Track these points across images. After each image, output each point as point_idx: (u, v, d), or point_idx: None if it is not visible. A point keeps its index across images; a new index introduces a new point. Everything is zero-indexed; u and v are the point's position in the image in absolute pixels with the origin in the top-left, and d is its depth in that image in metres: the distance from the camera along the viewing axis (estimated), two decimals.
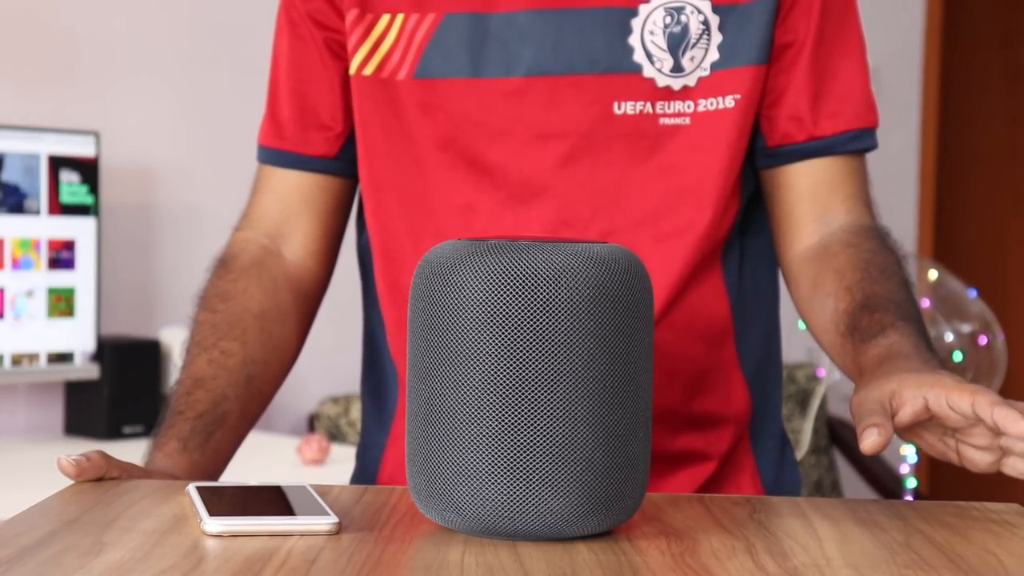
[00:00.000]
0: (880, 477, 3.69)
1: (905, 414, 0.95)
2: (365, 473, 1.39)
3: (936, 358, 1.08)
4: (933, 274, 3.41)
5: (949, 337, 3.33)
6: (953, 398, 0.93)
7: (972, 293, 3.41)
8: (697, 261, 1.26)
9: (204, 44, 3.04)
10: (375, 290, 1.35)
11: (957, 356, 3.32)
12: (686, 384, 1.29)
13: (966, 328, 3.34)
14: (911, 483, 3.44)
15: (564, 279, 0.80)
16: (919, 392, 0.95)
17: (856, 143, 1.30)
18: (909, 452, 3.44)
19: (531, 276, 0.80)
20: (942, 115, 4.21)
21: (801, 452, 3.46)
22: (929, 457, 4.21)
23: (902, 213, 4.22)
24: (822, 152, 1.29)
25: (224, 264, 1.32)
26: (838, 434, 3.81)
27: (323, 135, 1.34)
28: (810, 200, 1.29)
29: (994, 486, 4.39)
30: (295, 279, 1.34)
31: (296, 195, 1.35)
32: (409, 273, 1.25)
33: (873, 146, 1.32)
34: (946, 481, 4.31)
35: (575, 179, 1.25)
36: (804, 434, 3.50)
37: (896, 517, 0.94)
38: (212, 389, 1.22)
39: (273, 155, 1.36)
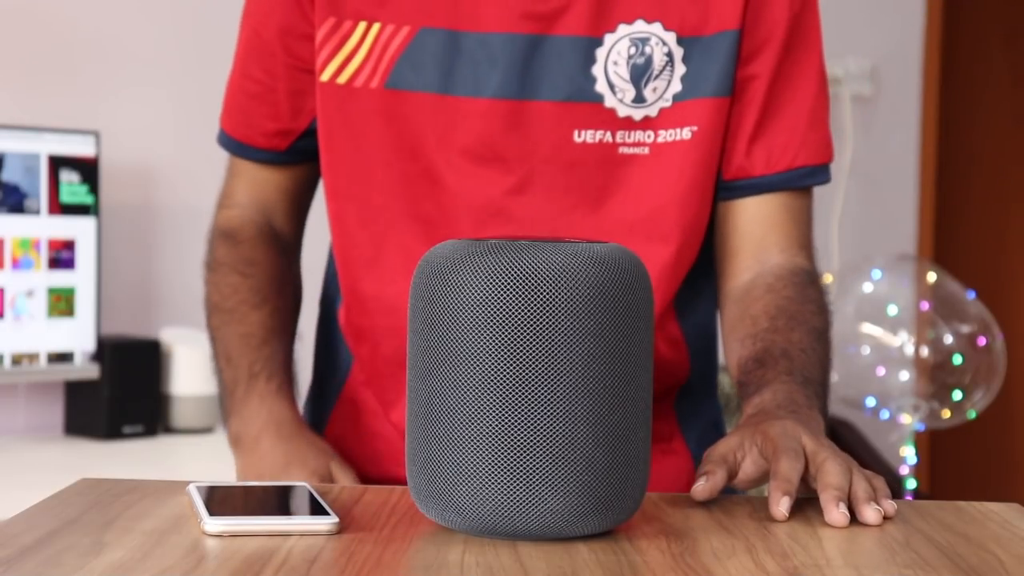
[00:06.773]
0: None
1: (746, 469, 1.00)
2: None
3: (804, 409, 1.08)
4: (932, 276, 3.41)
5: (948, 339, 3.32)
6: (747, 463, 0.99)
7: (971, 295, 3.41)
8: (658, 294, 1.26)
9: (205, 44, 3.04)
10: (337, 282, 1.40)
11: (957, 359, 3.32)
12: None
13: (965, 329, 3.33)
14: (911, 484, 3.44)
15: (565, 279, 0.80)
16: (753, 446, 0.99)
17: (799, 181, 1.31)
18: (909, 453, 3.44)
19: (531, 276, 0.80)
20: (942, 115, 4.21)
21: None
22: (930, 458, 4.21)
23: (902, 214, 4.22)
24: (763, 189, 1.30)
25: (231, 236, 1.41)
26: (836, 433, 3.82)
27: (270, 140, 1.38)
28: (747, 236, 1.31)
29: (994, 486, 4.39)
30: (286, 245, 1.44)
31: (264, 179, 1.42)
32: (367, 281, 1.31)
33: (822, 181, 1.32)
34: (946, 482, 4.31)
35: (531, 204, 1.26)
36: None
37: (896, 517, 0.95)
38: (285, 342, 1.37)
39: (233, 145, 1.42)
